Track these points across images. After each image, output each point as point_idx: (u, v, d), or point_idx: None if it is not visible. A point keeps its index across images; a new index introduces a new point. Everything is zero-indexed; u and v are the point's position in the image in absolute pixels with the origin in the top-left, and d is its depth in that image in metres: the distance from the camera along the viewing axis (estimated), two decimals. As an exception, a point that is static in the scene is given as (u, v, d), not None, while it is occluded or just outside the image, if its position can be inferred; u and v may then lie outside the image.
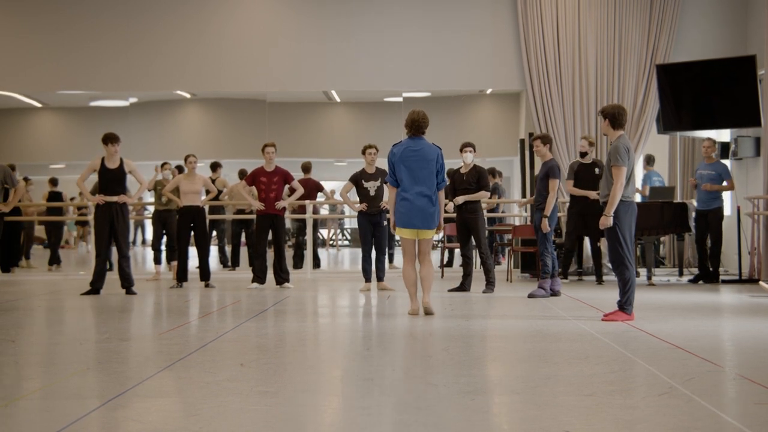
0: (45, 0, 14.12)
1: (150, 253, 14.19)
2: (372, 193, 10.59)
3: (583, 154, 11.61)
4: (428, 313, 7.67)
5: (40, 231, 22.12)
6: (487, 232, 12.53)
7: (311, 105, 16.99)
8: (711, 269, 11.65)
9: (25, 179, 15.62)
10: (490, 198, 12.84)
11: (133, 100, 15.95)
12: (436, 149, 7.89)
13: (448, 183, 9.78)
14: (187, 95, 16.18)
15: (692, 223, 12.00)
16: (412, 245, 7.94)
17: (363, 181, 10.68)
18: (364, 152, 10.75)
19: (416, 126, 7.91)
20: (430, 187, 7.76)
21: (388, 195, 8.05)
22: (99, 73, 14.19)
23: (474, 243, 10.51)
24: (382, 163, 10.61)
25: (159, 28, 14.12)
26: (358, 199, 11.00)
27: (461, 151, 10.45)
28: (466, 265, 10.46)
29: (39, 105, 16.97)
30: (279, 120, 15.82)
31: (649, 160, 14.04)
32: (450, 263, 14.49)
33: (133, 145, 14.66)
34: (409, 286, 8.00)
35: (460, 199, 10.24)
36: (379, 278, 10.85)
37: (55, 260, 15.30)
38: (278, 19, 14.22)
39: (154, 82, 14.33)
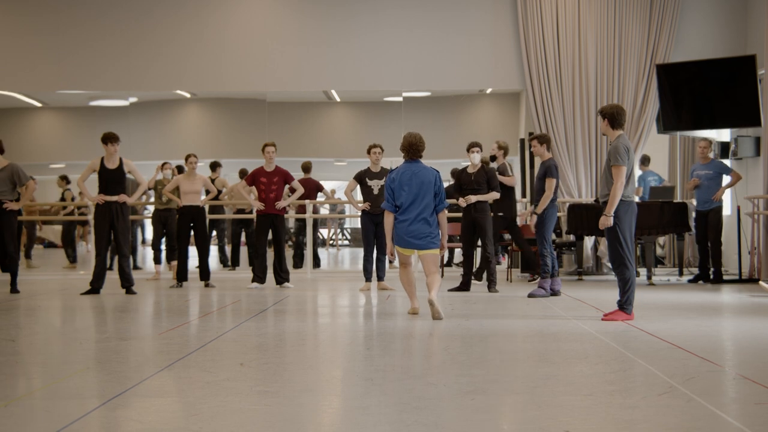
0: (45, 0, 14.12)
1: (150, 252, 14.20)
2: (375, 191, 10.60)
3: (493, 158, 11.75)
4: (436, 317, 7.59)
5: (50, 232, 22.12)
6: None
7: (311, 105, 16.99)
8: (712, 270, 11.65)
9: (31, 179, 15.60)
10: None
11: (133, 99, 15.96)
12: (434, 172, 7.92)
13: (448, 196, 9.75)
14: (187, 95, 16.18)
15: (692, 224, 12.01)
16: (409, 257, 8.01)
17: (367, 180, 10.70)
18: (369, 151, 10.77)
19: (414, 149, 7.92)
20: (429, 209, 7.79)
21: (386, 221, 8.02)
22: (99, 73, 14.19)
23: (480, 243, 10.54)
24: (387, 163, 10.66)
25: (159, 28, 14.12)
26: (361, 197, 11.02)
27: (468, 151, 10.45)
28: (467, 265, 10.46)
29: (39, 105, 16.97)
30: (279, 120, 15.82)
31: (645, 161, 14.05)
32: (449, 263, 14.49)
33: (133, 145, 14.67)
34: (407, 287, 8.05)
35: (473, 199, 10.22)
36: (380, 278, 10.86)
37: (74, 258, 15.46)
38: (278, 19, 14.22)
39: (154, 82, 14.33)
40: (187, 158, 11.51)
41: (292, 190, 11.42)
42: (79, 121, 17.16)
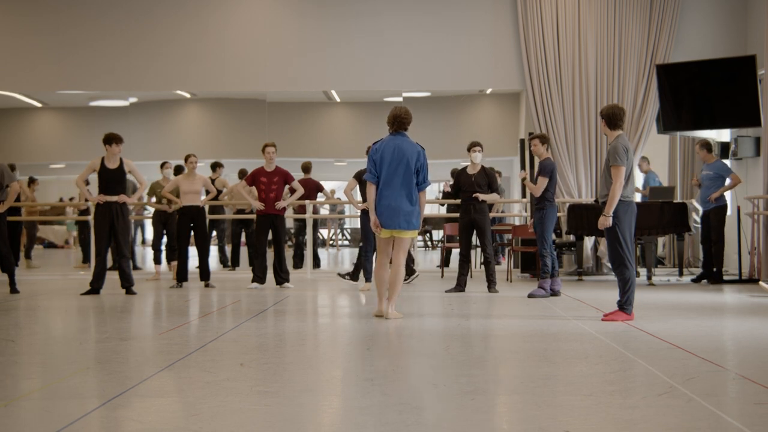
0: (45, 0, 14.12)
1: (150, 252, 14.19)
2: None
3: None
4: (386, 317, 7.49)
5: (49, 232, 22.03)
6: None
7: (311, 105, 17.00)
8: (714, 269, 11.64)
9: (32, 179, 15.59)
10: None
11: (133, 100, 15.97)
12: (418, 147, 7.63)
13: (450, 183, 9.65)
14: (187, 95, 16.19)
15: (692, 224, 12.00)
16: (388, 245, 7.73)
17: None
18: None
19: (399, 122, 7.64)
20: (410, 185, 7.53)
21: (368, 192, 7.75)
22: (99, 73, 14.18)
23: (478, 244, 10.50)
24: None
25: (159, 28, 14.11)
26: (361, 197, 11.01)
27: (469, 150, 10.42)
28: (465, 266, 10.45)
29: (39, 105, 16.98)
30: (279, 120, 15.83)
31: (647, 161, 14.08)
32: (447, 263, 14.48)
33: (133, 145, 14.66)
34: (379, 286, 7.74)
35: (481, 197, 10.17)
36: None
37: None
38: (278, 19, 14.22)
39: (154, 82, 14.33)
40: (186, 158, 11.50)
41: (292, 191, 11.42)
42: (79, 121, 17.18)
